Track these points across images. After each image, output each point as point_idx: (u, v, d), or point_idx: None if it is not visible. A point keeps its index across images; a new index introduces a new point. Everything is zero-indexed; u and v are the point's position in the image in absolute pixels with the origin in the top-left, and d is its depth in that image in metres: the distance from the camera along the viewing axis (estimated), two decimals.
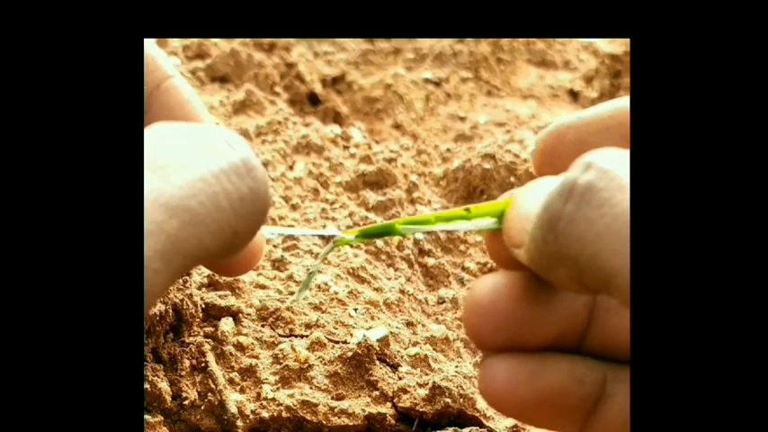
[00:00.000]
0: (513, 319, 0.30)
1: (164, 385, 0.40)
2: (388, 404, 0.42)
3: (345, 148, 0.60)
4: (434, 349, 0.46)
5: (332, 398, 0.41)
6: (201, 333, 0.43)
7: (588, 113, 0.32)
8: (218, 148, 0.26)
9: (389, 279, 0.50)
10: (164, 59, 0.33)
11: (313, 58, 0.69)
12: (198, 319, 0.43)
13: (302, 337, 0.44)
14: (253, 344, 0.43)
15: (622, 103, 0.32)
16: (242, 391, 0.41)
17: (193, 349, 0.42)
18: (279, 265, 0.49)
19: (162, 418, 0.39)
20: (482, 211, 0.30)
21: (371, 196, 0.56)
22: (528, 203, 0.28)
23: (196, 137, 0.27)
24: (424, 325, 0.48)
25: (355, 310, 0.46)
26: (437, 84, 0.69)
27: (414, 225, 0.30)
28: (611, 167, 0.26)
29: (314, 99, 0.66)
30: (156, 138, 0.27)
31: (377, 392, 0.42)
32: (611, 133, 0.31)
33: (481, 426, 0.42)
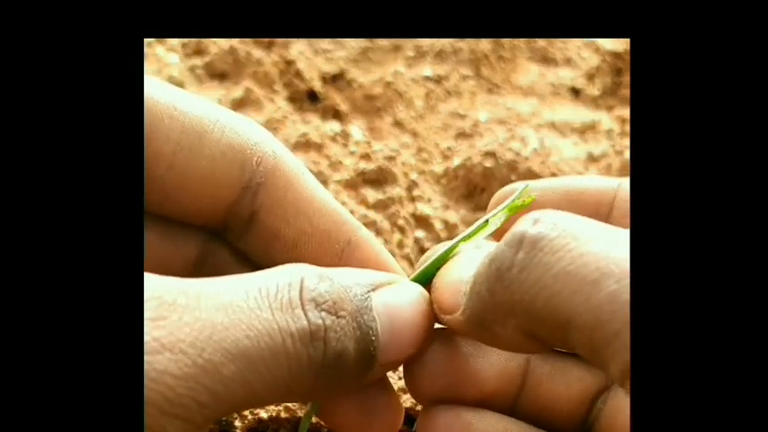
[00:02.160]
0: (449, 372, 0.31)
1: None
2: None
3: (345, 145, 0.60)
4: None
5: None
6: None
7: (540, 182, 0.35)
8: (295, 309, 0.27)
9: None
10: (348, 214, 0.34)
11: (312, 55, 0.69)
12: None
13: None
14: None
15: (569, 178, 0.35)
16: None
17: None
18: None
19: None
20: (499, 215, 0.32)
21: (371, 194, 0.56)
22: (457, 270, 0.29)
23: (281, 288, 0.27)
24: None
25: None
26: (437, 81, 0.69)
27: (443, 258, 0.31)
28: (560, 221, 0.26)
29: (313, 97, 0.66)
30: (242, 279, 0.27)
31: None
32: (553, 195, 0.34)
33: None
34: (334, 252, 0.33)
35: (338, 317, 0.27)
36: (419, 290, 0.30)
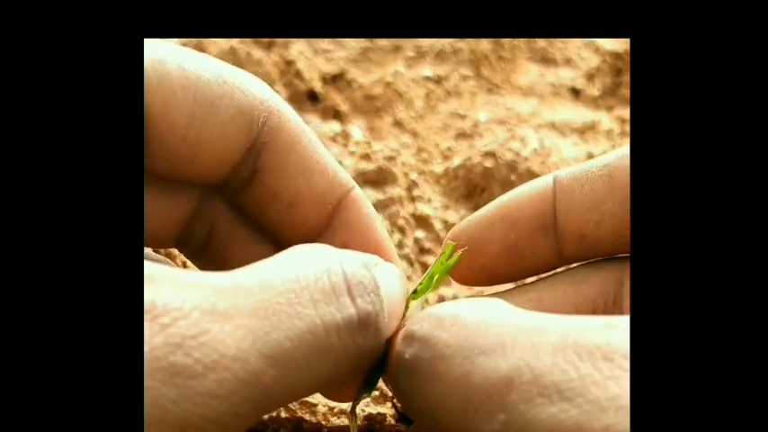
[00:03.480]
0: None
1: None
2: (388, 404, 0.42)
3: (345, 146, 0.60)
4: None
5: None
6: None
7: (475, 215, 0.34)
8: (340, 297, 0.25)
9: None
10: (344, 174, 0.33)
11: (312, 55, 0.69)
12: None
13: None
14: None
15: (504, 198, 0.34)
16: None
17: None
18: None
19: None
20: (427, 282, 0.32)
21: (371, 194, 0.56)
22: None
23: (318, 276, 0.26)
24: None
25: None
26: (437, 81, 0.69)
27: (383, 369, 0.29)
28: (430, 336, 0.26)
29: (313, 97, 0.66)
30: (275, 270, 0.25)
31: (377, 392, 0.42)
32: (497, 227, 0.33)
33: None
34: (326, 212, 0.33)
35: (386, 300, 0.27)
36: (398, 269, 0.30)
